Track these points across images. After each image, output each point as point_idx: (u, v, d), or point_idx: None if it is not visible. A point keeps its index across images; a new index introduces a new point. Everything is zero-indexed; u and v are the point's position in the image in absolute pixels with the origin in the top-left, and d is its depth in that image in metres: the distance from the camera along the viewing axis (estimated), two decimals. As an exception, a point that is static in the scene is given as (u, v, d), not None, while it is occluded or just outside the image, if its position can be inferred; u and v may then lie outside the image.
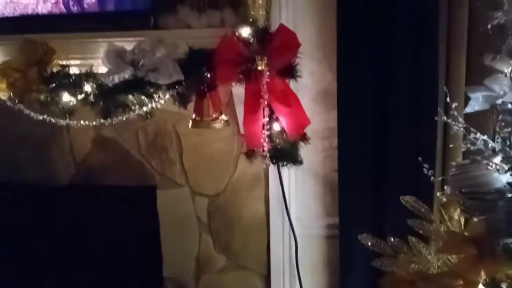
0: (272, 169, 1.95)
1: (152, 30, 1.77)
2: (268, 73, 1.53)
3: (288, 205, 1.92)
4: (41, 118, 1.73)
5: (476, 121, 1.31)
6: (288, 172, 1.94)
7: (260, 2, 1.72)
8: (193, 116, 1.70)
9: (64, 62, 1.74)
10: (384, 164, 1.73)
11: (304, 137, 1.70)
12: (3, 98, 1.74)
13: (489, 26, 1.06)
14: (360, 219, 1.80)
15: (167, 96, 1.64)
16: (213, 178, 2.05)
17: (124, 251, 2.17)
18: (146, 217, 2.11)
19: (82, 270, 2.25)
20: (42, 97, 1.71)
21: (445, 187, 1.34)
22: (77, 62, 1.77)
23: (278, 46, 1.52)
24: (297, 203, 2.00)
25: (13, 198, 2.18)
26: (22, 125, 2.10)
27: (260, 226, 2.04)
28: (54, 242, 2.23)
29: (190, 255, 2.12)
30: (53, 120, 1.73)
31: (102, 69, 1.70)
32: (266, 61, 1.52)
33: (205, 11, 1.78)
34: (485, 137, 1.17)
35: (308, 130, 1.72)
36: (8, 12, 1.83)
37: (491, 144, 1.15)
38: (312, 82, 1.89)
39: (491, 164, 1.08)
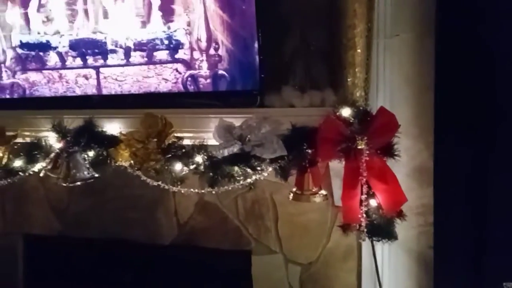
0: (366, 242, 1.99)
1: (258, 108, 1.93)
2: (367, 152, 1.62)
3: (381, 280, 1.94)
4: (155, 184, 1.92)
5: None
6: (382, 246, 1.97)
7: (359, 83, 1.84)
8: (294, 189, 1.80)
9: (179, 135, 1.93)
10: (483, 246, 1.72)
11: (400, 214, 1.74)
12: (124, 164, 1.95)
13: None
14: (456, 299, 1.78)
15: (270, 169, 1.77)
16: (306, 247, 2.11)
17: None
18: (241, 281, 2.20)
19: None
20: (158, 165, 1.89)
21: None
22: (190, 135, 1.95)
23: (378, 126, 1.61)
24: (390, 278, 2.00)
25: (123, 255, 2.37)
26: (135, 188, 2.32)
27: (352, 299, 2.06)
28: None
29: (281, 322, 2.17)
30: (166, 187, 1.91)
31: (211, 141, 1.88)
32: (366, 141, 1.61)
33: (307, 91, 1.92)
34: None
35: (403, 206, 1.76)
36: (134, 89, 2.09)
37: None
38: (407, 159, 1.93)
39: None
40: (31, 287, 2.61)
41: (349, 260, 2.06)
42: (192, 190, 1.89)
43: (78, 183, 2.02)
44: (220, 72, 1.95)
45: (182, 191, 1.90)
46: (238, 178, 1.82)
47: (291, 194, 1.82)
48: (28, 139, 2.19)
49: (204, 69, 1.96)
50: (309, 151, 1.73)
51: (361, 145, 1.61)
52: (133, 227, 2.35)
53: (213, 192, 1.85)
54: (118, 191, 2.36)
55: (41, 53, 2.15)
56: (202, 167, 1.85)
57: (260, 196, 2.16)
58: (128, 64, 2.04)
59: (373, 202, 1.69)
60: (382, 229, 1.73)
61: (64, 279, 2.55)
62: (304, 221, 2.10)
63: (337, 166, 1.83)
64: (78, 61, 2.12)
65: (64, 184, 2.03)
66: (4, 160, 2.09)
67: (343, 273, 2.07)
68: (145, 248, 2.34)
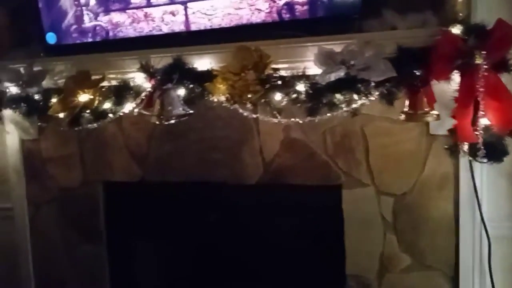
0: (463, 168, 1.97)
1: (357, 33, 1.89)
2: (484, 67, 1.58)
3: (480, 205, 1.93)
4: (254, 116, 1.91)
5: None
6: (480, 172, 1.95)
7: (462, 2, 1.79)
8: (405, 109, 1.78)
9: (274, 66, 1.90)
10: None
11: (513, 132, 1.71)
12: (220, 98, 1.94)
13: None
14: None
15: (376, 93, 1.75)
16: (399, 177, 2.10)
17: (308, 248, 2.28)
18: (331, 215, 2.20)
19: (265, 265, 2.39)
20: (256, 97, 1.87)
21: None
22: (285, 65, 1.93)
23: (496, 39, 1.56)
24: (488, 203, 1.98)
25: (209, 196, 2.39)
26: (217, 130, 2.32)
27: (448, 227, 2.05)
28: (241, 237, 2.40)
29: (374, 253, 2.17)
30: (265, 119, 1.90)
31: (310, 71, 1.86)
32: (483, 55, 1.57)
33: (407, 14, 1.87)
34: None
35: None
36: (225, 23, 2.04)
37: None
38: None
39: None
40: (113, 235, 2.64)
41: (445, 188, 2.04)
42: (293, 119, 1.88)
43: (173, 120, 2.02)
44: (318, -3, 1.90)
45: (282, 122, 1.89)
46: (340, 106, 1.80)
47: (403, 115, 1.79)
48: (114, 82, 2.18)
49: (301, -5, 1.91)
50: (418, 72, 1.70)
51: (479, 60, 1.57)
52: (217, 169, 2.35)
53: (316, 120, 1.84)
54: (199, 133, 2.36)
55: (124, -8, 2.11)
56: (303, 96, 1.83)
57: (349, 129, 2.14)
58: (219, -4, 2.00)
59: (485, 121, 1.66)
60: (494, 149, 1.70)
61: (147, 224, 2.59)
62: (397, 151, 2.08)
63: (437, 90, 1.80)
64: (165, -3, 2.08)
65: (158, 122, 2.03)
66: (95, 102, 2.09)
67: (439, 201, 2.05)
68: (230, 189, 2.35)
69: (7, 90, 2.28)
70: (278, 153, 2.27)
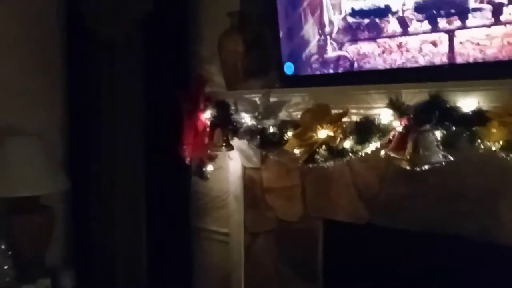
0: None
1: None
2: None
3: None
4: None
5: None
6: None
7: None
8: None
9: None
10: None
11: None
12: (493, 147, 1.62)
13: None
14: None
15: None
16: None
17: None
18: None
19: None
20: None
21: None
22: None
23: None
24: None
25: (448, 252, 2.06)
26: (465, 176, 1.99)
27: None
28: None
29: None
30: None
31: None
32: None
33: None
34: None
35: None
36: (504, 55, 1.71)
37: None
38: None
39: None
40: (330, 277, 2.47)
41: None
42: None
43: (426, 166, 1.76)
44: None
45: None
46: None
47: None
48: (354, 117, 2.00)
49: None
50: None
51: None
52: (462, 221, 2.01)
53: None
54: (442, 178, 2.03)
55: (377, 20, 1.91)
56: None
57: None
58: (497, 23, 1.68)
59: None
60: None
61: (368, 271, 2.35)
62: None
63: None
64: (425, 26, 1.83)
65: (408, 167, 1.79)
66: (337, 141, 1.92)
67: None
68: (478, 247, 1.98)
69: (243, 121, 2.25)
70: (548, 211, 1.84)
